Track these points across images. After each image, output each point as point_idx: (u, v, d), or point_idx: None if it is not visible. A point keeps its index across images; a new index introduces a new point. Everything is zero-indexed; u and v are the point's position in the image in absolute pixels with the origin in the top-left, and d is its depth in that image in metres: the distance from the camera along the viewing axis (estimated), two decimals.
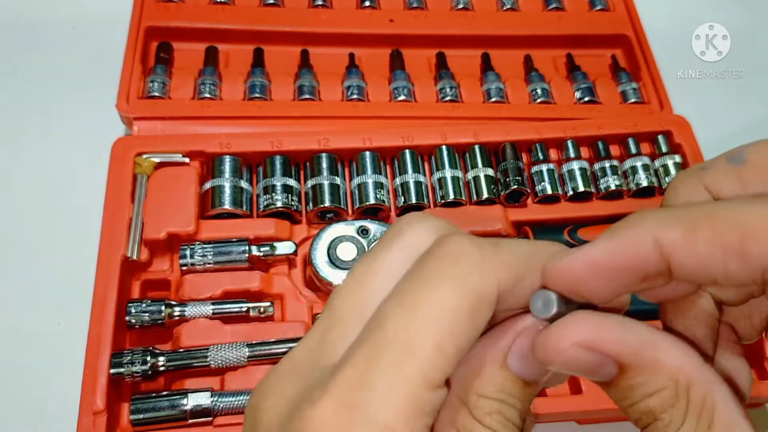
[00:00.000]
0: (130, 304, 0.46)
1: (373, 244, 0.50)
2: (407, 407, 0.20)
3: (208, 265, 0.48)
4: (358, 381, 0.20)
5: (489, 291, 0.21)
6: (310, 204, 0.53)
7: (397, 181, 0.55)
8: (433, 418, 0.21)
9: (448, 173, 0.55)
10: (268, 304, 0.48)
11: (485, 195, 0.54)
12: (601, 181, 0.56)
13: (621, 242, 0.21)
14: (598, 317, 0.22)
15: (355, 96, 0.60)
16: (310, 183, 0.53)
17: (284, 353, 0.45)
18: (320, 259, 0.49)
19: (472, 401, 0.22)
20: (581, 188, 0.55)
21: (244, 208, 0.52)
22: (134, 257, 0.48)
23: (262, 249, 0.49)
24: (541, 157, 0.57)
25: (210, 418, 0.43)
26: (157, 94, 0.57)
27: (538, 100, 0.62)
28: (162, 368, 0.44)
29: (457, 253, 0.22)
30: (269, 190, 0.52)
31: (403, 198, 0.54)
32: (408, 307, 0.21)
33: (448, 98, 0.61)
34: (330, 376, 0.21)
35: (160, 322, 0.46)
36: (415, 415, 0.20)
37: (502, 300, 0.22)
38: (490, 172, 0.55)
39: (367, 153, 0.55)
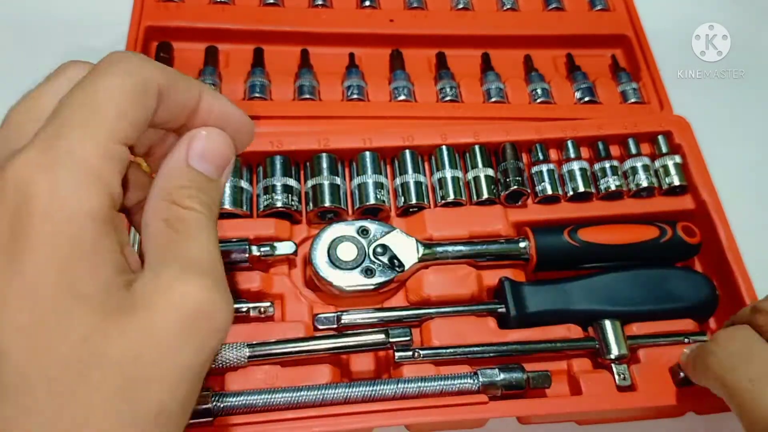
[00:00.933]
0: None
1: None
2: (98, 149, 0.25)
3: None
4: (55, 134, 0.25)
5: (151, 81, 0.27)
6: (310, 204, 0.53)
7: (397, 181, 0.55)
8: (124, 168, 0.26)
9: (448, 173, 0.55)
10: (268, 304, 0.48)
11: (485, 195, 0.54)
12: (602, 181, 0.56)
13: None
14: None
15: (355, 96, 0.60)
16: (310, 183, 0.53)
17: (285, 353, 0.46)
18: (320, 259, 0.49)
19: (174, 193, 0.28)
20: (581, 188, 0.55)
21: (244, 208, 0.52)
22: None
23: (262, 249, 0.49)
24: (541, 157, 0.57)
25: (210, 419, 0.43)
26: None
27: (538, 100, 0.62)
28: None
29: (125, 56, 0.28)
30: (269, 190, 0.52)
31: (403, 198, 0.54)
32: (89, 87, 0.26)
33: (448, 98, 0.61)
34: (28, 141, 0.25)
35: None
36: (111, 159, 0.25)
37: (162, 98, 0.28)
38: (490, 172, 0.55)
39: (367, 153, 0.55)
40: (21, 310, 0.23)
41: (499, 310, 0.50)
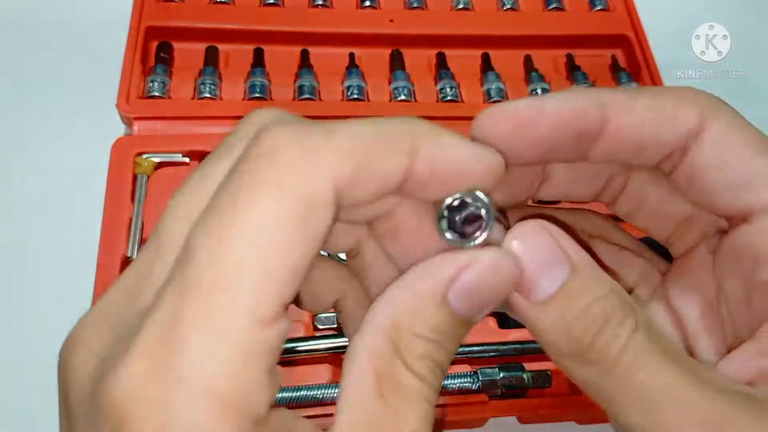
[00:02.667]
0: None
1: None
2: (233, 359, 0.16)
3: None
4: (167, 332, 0.16)
5: (321, 192, 0.17)
6: None
7: None
8: (276, 356, 0.18)
9: None
10: None
11: None
12: None
13: (571, 98, 0.22)
14: (557, 228, 0.21)
15: (355, 96, 0.60)
16: None
17: (285, 353, 0.46)
18: None
19: (405, 340, 0.19)
20: None
21: None
22: (134, 257, 0.48)
23: None
24: None
25: None
26: (157, 94, 0.57)
27: None
28: None
29: (274, 150, 0.17)
30: None
31: None
32: (215, 232, 0.17)
33: (448, 98, 0.61)
34: (139, 324, 0.17)
35: None
36: (246, 364, 0.17)
37: (346, 195, 0.18)
38: None
39: None
40: None
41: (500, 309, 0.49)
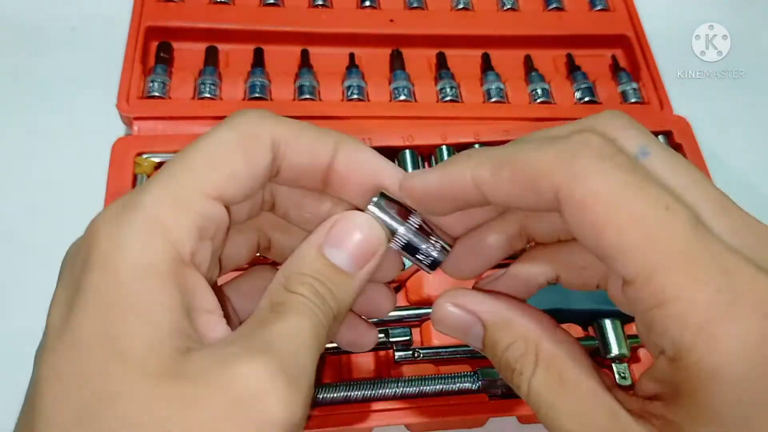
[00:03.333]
0: None
1: None
2: (174, 203, 0.24)
3: None
4: (139, 189, 0.24)
5: (262, 134, 0.26)
6: None
7: None
8: (208, 226, 0.25)
9: None
10: None
11: None
12: None
13: (446, 175, 0.26)
14: (470, 292, 0.30)
15: (355, 96, 0.60)
16: None
17: None
18: None
19: (291, 278, 0.26)
20: None
21: None
22: None
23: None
24: None
25: None
26: (157, 94, 0.57)
27: (538, 100, 0.62)
28: None
29: (243, 112, 0.27)
30: None
31: None
32: (192, 144, 0.26)
33: (448, 98, 0.61)
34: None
35: None
36: (180, 211, 0.24)
37: (283, 155, 0.27)
38: None
39: None
40: (63, 358, 0.22)
41: None
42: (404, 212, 0.28)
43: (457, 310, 0.29)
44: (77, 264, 0.24)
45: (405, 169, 0.55)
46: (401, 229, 0.28)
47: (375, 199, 0.28)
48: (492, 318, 0.29)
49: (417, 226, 0.28)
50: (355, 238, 0.27)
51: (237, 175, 0.26)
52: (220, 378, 0.22)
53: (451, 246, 0.30)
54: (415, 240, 0.29)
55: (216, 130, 0.26)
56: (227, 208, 0.26)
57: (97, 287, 0.23)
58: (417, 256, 0.29)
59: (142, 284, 0.23)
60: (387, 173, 0.28)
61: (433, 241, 0.29)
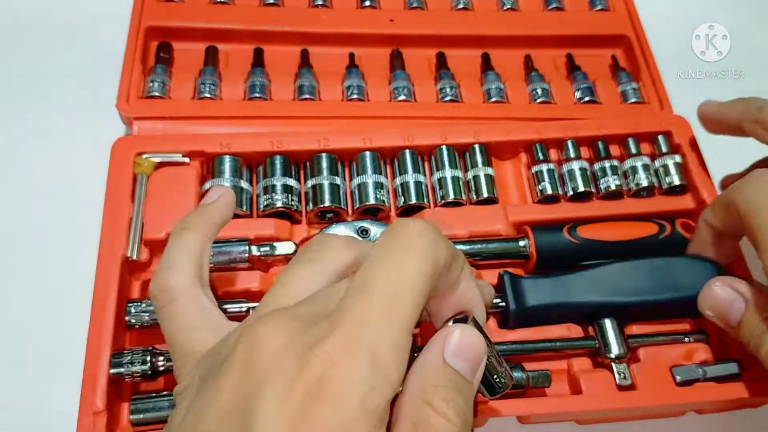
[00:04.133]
0: (130, 304, 0.46)
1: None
2: (396, 343, 0.25)
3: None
4: (360, 319, 0.25)
5: (441, 262, 0.28)
6: (310, 204, 0.53)
7: (397, 181, 0.55)
8: (407, 358, 0.26)
9: (448, 173, 0.55)
10: None
11: (485, 195, 0.54)
12: (601, 181, 0.56)
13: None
14: (734, 278, 0.42)
15: (355, 96, 0.60)
16: (310, 183, 0.53)
17: None
18: None
19: (429, 392, 0.27)
20: (581, 188, 0.55)
21: (244, 208, 0.52)
22: (134, 257, 0.48)
23: (262, 249, 0.49)
24: (541, 157, 0.57)
25: None
26: (157, 94, 0.57)
27: (538, 100, 0.62)
28: (162, 368, 0.44)
29: (424, 231, 0.28)
30: (269, 190, 0.52)
31: (403, 198, 0.54)
32: (393, 270, 0.27)
33: (448, 98, 0.61)
34: (332, 317, 0.26)
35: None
36: (401, 352, 0.26)
37: (441, 277, 0.29)
38: (490, 171, 0.55)
39: (367, 153, 0.55)
40: None
41: (500, 305, 0.49)
42: (486, 336, 0.31)
43: (725, 288, 0.41)
44: (301, 387, 0.25)
45: (405, 169, 0.55)
46: (488, 350, 0.30)
47: (468, 318, 0.31)
48: (755, 296, 0.40)
49: (497, 351, 0.32)
50: (473, 346, 0.29)
51: (422, 307, 0.27)
52: None
53: (511, 378, 0.33)
54: (494, 363, 0.31)
55: (408, 256, 0.27)
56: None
57: (329, 420, 0.24)
58: (492, 377, 0.31)
59: (366, 425, 0.24)
60: (478, 305, 0.33)
61: (504, 368, 0.32)
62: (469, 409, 0.28)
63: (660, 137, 0.58)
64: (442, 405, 0.26)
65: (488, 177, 0.55)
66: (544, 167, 0.56)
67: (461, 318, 0.31)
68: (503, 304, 0.48)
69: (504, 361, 0.32)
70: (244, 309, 0.47)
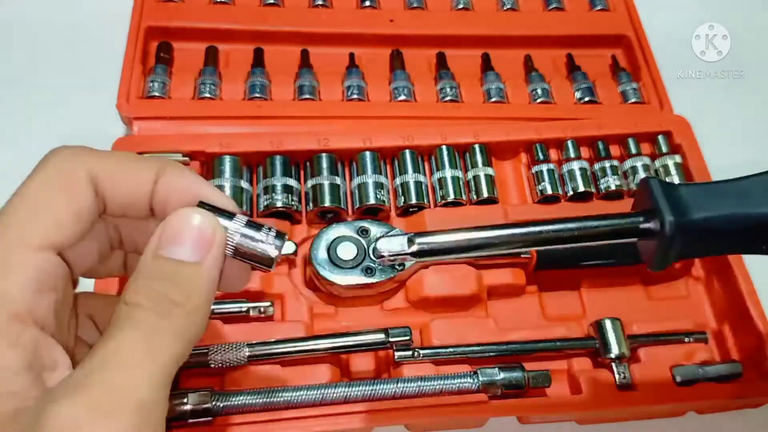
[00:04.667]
0: None
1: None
2: (1, 265, 0.24)
3: None
4: None
5: (77, 173, 0.26)
6: (310, 204, 0.53)
7: (397, 181, 0.55)
8: (53, 283, 0.25)
9: (448, 173, 0.55)
10: (268, 304, 0.48)
11: (485, 195, 0.54)
12: (602, 181, 0.56)
13: None
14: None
15: (355, 96, 0.60)
16: (310, 183, 0.53)
17: (284, 353, 0.46)
18: (320, 259, 0.49)
19: (126, 292, 0.25)
20: (581, 188, 0.55)
21: (244, 208, 0.52)
22: None
23: None
24: (541, 157, 0.57)
25: (210, 418, 0.43)
26: (157, 94, 0.57)
27: (538, 100, 0.62)
28: None
29: (57, 150, 0.27)
30: (269, 190, 0.52)
31: (403, 198, 0.54)
32: (13, 194, 0.26)
33: (448, 98, 0.61)
34: None
35: None
36: (11, 272, 0.24)
37: (105, 187, 0.27)
38: (490, 171, 0.55)
39: (367, 153, 0.55)
40: None
41: (642, 226, 0.34)
42: (228, 214, 0.28)
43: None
44: None
45: (405, 169, 0.55)
46: (231, 224, 0.28)
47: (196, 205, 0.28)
48: None
49: (245, 221, 0.28)
50: (190, 227, 0.26)
51: (60, 219, 0.26)
52: (33, 427, 0.21)
53: (285, 234, 0.29)
54: (249, 231, 0.28)
55: (31, 176, 0.26)
56: (62, 255, 0.26)
57: None
58: (257, 246, 0.28)
59: None
60: (208, 195, 0.28)
61: (266, 230, 0.29)
62: (188, 292, 0.25)
63: (660, 137, 0.58)
64: (131, 296, 0.25)
65: (488, 177, 0.55)
66: (544, 167, 0.56)
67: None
68: (649, 223, 0.34)
69: (265, 227, 0.29)
70: (245, 309, 0.47)
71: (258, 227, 0.29)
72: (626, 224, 0.33)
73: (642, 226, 0.33)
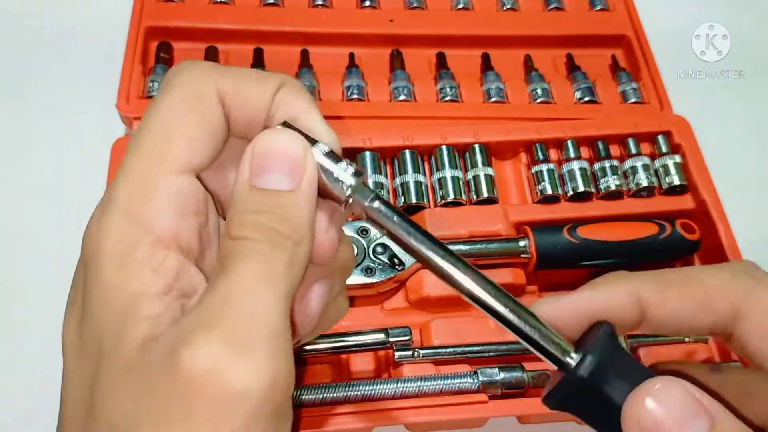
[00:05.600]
0: None
1: None
2: (143, 190, 0.24)
3: None
4: (113, 181, 0.25)
5: (207, 90, 0.25)
6: None
7: (397, 181, 0.55)
8: (194, 206, 0.25)
9: (448, 173, 0.55)
10: None
11: (485, 195, 0.54)
12: (601, 181, 0.56)
13: (601, 295, 0.26)
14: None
15: (355, 96, 0.60)
16: None
17: None
18: None
19: (229, 224, 0.24)
20: (581, 188, 0.55)
21: None
22: None
23: None
24: (541, 157, 0.57)
25: None
26: (157, 94, 0.57)
27: (538, 100, 0.62)
28: None
29: (179, 69, 0.26)
30: None
31: (403, 198, 0.54)
32: (145, 115, 0.25)
33: (448, 98, 0.61)
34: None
35: None
36: (153, 197, 0.24)
37: (231, 104, 0.26)
38: (490, 171, 0.55)
39: (367, 153, 0.55)
40: (66, 358, 0.27)
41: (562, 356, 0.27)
42: (310, 138, 0.26)
43: (684, 393, 0.22)
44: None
45: (405, 169, 0.55)
46: (314, 149, 0.25)
47: (279, 125, 0.26)
48: (721, 413, 0.22)
49: (327, 150, 0.26)
50: (279, 151, 0.24)
51: (195, 140, 0.25)
52: (168, 366, 0.21)
53: (362, 171, 0.26)
54: (329, 160, 0.25)
55: (162, 96, 0.26)
56: (199, 177, 0.25)
57: (85, 287, 0.24)
58: (335, 177, 0.25)
59: (119, 275, 0.23)
60: (311, 120, 0.27)
61: (346, 163, 0.26)
62: (291, 221, 0.24)
63: (660, 137, 0.58)
64: (237, 230, 0.23)
65: (488, 177, 0.55)
66: (544, 167, 0.56)
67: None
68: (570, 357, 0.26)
69: (345, 161, 0.26)
70: None
71: (337, 159, 0.26)
72: (557, 342, 0.26)
73: (565, 356, 0.26)
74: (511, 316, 0.26)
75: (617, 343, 0.26)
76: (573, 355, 0.25)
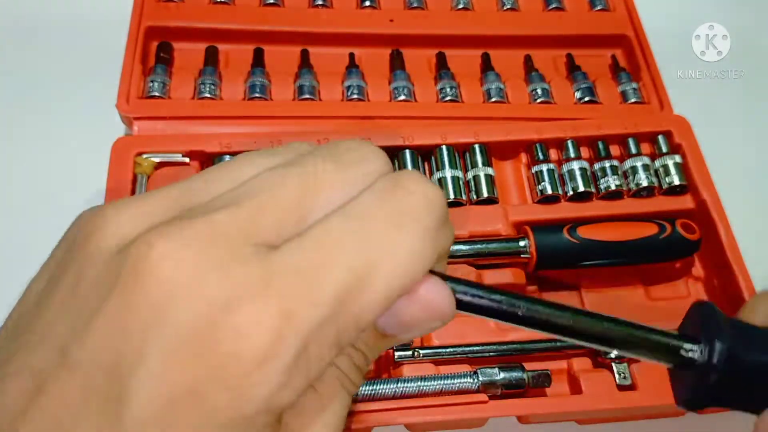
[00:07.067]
0: None
1: None
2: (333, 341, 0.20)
3: None
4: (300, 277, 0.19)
5: (445, 246, 0.22)
6: None
7: None
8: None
9: (448, 173, 0.55)
10: None
11: (485, 195, 0.54)
12: (601, 181, 0.56)
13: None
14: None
15: (355, 96, 0.60)
16: None
17: None
18: None
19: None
20: (581, 188, 0.55)
21: None
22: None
23: None
24: (541, 157, 0.57)
25: None
26: (157, 94, 0.57)
27: (538, 100, 0.62)
28: None
29: (432, 202, 0.20)
30: None
31: None
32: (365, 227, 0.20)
33: (448, 98, 0.61)
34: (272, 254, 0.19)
35: None
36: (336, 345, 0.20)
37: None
38: (491, 171, 0.55)
39: None
40: None
41: (685, 352, 0.26)
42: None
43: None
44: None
45: (405, 168, 0.55)
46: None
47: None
48: None
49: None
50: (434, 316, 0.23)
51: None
52: None
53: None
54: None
55: (410, 230, 0.20)
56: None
57: None
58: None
59: None
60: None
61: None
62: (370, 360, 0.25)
63: (660, 137, 0.58)
64: (336, 359, 0.23)
65: (488, 177, 0.55)
66: (544, 167, 0.56)
67: None
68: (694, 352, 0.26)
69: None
70: None
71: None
72: (665, 343, 0.25)
73: (685, 352, 0.25)
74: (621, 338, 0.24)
75: (728, 317, 0.25)
76: (693, 347, 0.24)
